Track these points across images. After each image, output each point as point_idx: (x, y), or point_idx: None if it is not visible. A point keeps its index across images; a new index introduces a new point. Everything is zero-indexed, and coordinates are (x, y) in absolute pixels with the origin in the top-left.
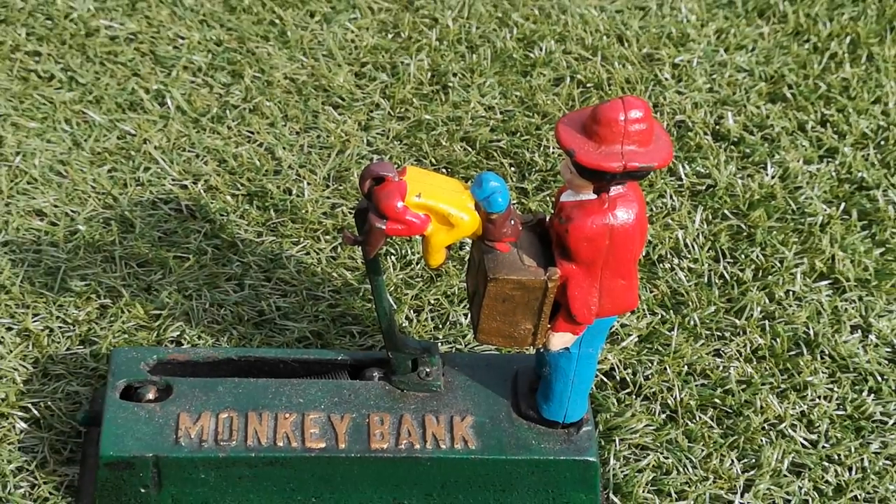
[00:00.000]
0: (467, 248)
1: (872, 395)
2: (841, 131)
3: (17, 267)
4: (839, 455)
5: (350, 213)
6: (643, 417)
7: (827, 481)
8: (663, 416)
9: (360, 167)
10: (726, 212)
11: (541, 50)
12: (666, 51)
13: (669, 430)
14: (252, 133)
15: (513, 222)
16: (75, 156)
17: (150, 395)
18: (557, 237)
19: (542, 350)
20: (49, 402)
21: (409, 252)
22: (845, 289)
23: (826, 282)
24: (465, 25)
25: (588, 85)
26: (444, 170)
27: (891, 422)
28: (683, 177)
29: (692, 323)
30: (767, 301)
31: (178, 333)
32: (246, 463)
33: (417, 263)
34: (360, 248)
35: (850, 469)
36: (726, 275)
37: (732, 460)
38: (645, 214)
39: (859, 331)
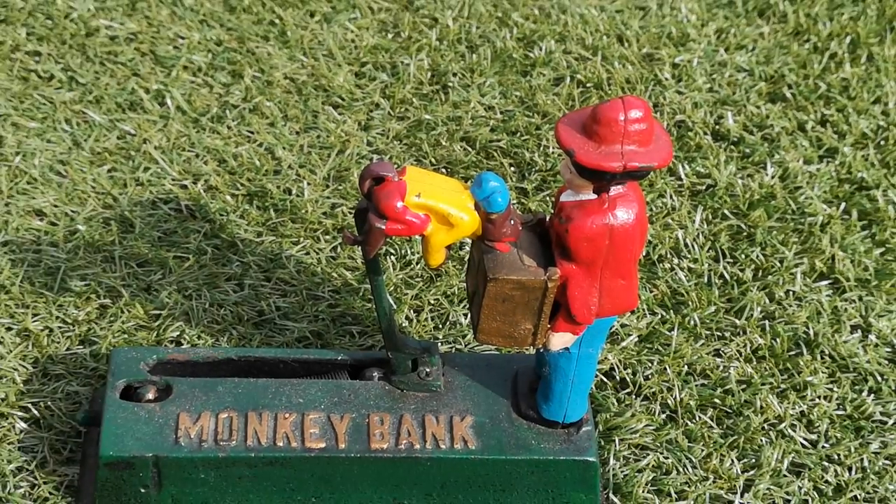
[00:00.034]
0: (467, 248)
1: (872, 395)
2: (841, 131)
3: (17, 267)
4: (839, 455)
5: (350, 213)
6: (643, 417)
7: (827, 481)
8: (663, 416)
9: (360, 167)
10: (726, 212)
11: (541, 50)
12: (666, 51)
13: (669, 430)
14: (252, 133)
15: (513, 222)
16: (75, 156)
17: (150, 395)
18: (557, 237)
19: (542, 350)
20: (49, 402)
21: (409, 252)
22: (845, 289)
23: (826, 282)
24: (465, 25)
25: (588, 85)
26: (444, 170)
27: (891, 422)
28: (683, 177)
29: (692, 323)
30: (767, 301)
31: (177, 333)
32: (246, 463)
33: (417, 263)
34: (359, 248)
35: (849, 469)
36: (726, 275)
37: (732, 460)
38: (645, 214)
39: (859, 331)
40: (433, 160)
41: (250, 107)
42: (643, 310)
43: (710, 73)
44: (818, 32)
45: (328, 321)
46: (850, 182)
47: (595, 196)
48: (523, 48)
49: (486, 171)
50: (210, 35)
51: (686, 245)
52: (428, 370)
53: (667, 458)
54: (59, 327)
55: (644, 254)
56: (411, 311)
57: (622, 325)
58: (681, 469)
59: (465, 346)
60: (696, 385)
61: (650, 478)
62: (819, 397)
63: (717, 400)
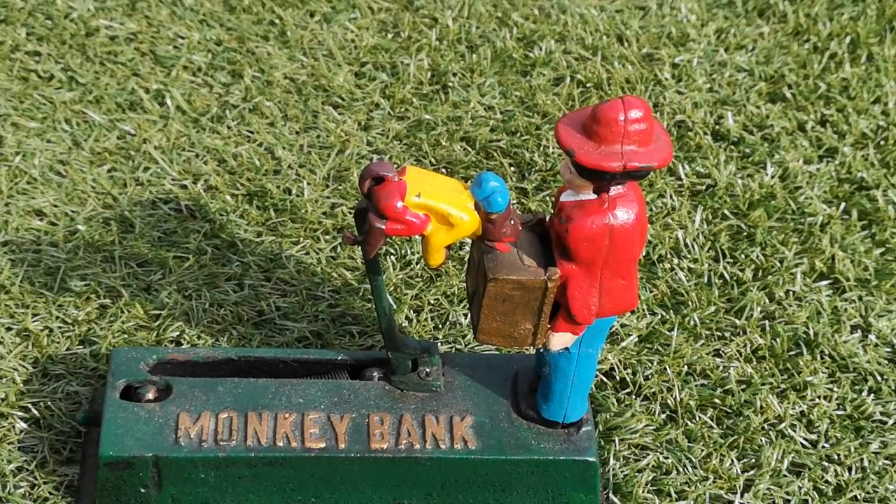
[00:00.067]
0: (467, 248)
1: (872, 395)
2: (841, 131)
3: (16, 267)
4: (839, 455)
5: (350, 213)
6: (643, 417)
7: (827, 481)
8: (663, 416)
9: (360, 167)
10: (726, 212)
11: (541, 50)
12: (666, 51)
13: (669, 430)
14: (252, 133)
15: (513, 222)
16: (75, 156)
17: (150, 395)
18: (557, 237)
19: (541, 350)
20: (49, 402)
21: (409, 252)
22: (845, 289)
23: (826, 282)
24: (465, 25)
25: (588, 85)
26: (444, 170)
27: (890, 422)
28: (683, 177)
29: (692, 323)
30: (767, 301)
31: (177, 333)
32: (246, 463)
33: (417, 263)
34: (359, 248)
35: (849, 469)
36: (726, 275)
37: (732, 460)
38: (645, 214)
39: (859, 331)
40: (433, 160)
41: (250, 107)
42: (643, 310)
43: (710, 73)
44: (818, 32)
45: (328, 321)
46: (850, 182)
47: (595, 196)
48: (523, 48)
49: (486, 171)
50: (210, 35)
51: (686, 245)
52: (428, 370)
53: (667, 458)
54: (59, 327)
55: (644, 254)
56: (411, 311)
57: (622, 325)
58: (681, 469)
59: (465, 346)
60: (696, 385)
61: (650, 478)
62: (819, 397)
63: (717, 400)
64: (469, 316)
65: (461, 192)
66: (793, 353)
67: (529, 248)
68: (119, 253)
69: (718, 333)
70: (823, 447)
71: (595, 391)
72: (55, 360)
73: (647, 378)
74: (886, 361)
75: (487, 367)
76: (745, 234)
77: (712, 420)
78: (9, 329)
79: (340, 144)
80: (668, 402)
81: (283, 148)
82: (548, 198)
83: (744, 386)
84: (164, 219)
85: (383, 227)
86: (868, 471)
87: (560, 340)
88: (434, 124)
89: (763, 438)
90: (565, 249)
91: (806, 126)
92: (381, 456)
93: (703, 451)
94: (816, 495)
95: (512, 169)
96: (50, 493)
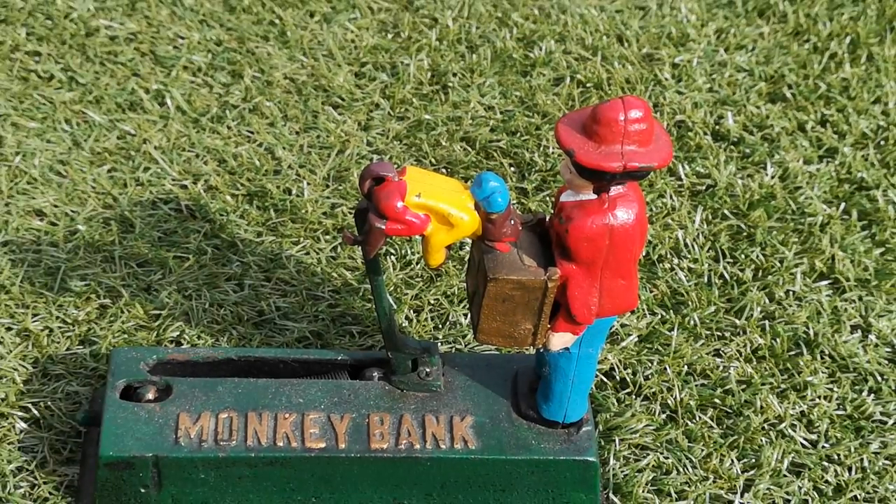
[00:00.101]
0: (467, 248)
1: (872, 395)
2: (841, 131)
3: (17, 267)
4: (839, 455)
5: (350, 213)
6: (643, 417)
7: (827, 481)
8: (663, 416)
9: (360, 167)
10: (726, 212)
11: (541, 50)
12: (666, 51)
13: (669, 430)
14: (252, 133)
15: (513, 222)
16: (75, 156)
17: (150, 395)
18: (557, 237)
19: (542, 350)
20: (49, 402)
21: (409, 252)
22: (845, 289)
23: (826, 282)
24: (465, 25)
25: (588, 85)
26: (444, 170)
27: (891, 422)
28: (683, 177)
29: (692, 323)
30: (767, 301)
31: (177, 333)
32: (246, 463)
33: (417, 263)
34: (360, 248)
35: (849, 469)
36: (726, 275)
37: (732, 460)
38: (645, 214)
39: (859, 331)
40: (433, 160)
41: (250, 107)
42: (643, 310)
43: (710, 73)
44: (818, 32)
45: (328, 321)
46: (850, 182)
47: (595, 196)
48: (523, 48)
49: (486, 171)
50: (210, 35)
51: (686, 245)
52: (428, 370)
53: (667, 458)
54: (59, 327)
55: (644, 254)
56: (411, 311)
57: (622, 325)
58: (681, 469)
59: (465, 346)
60: (696, 385)
61: (650, 478)
62: (819, 397)
63: (717, 400)
64: (469, 316)
65: (461, 192)
66: (793, 353)
67: (529, 248)
68: (119, 253)
69: (718, 333)
70: (823, 447)
71: (595, 391)
72: (55, 360)
73: (647, 378)
74: (886, 361)
75: (487, 367)
76: (745, 234)
77: (712, 420)
78: (9, 329)
79: (340, 144)
80: (668, 402)
81: (283, 148)
82: (548, 198)
83: (744, 386)
84: (164, 219)
85: (383, 227)
86: (868, 471)
87: (560, 340)
88: (434, 124)
89: (763, 438)
90: (565, 249)
91: (806, 126)
92: (381, 456)
93: (703, 451)
94: (816, 495)
95: (512, 169)
96: (50, 493)
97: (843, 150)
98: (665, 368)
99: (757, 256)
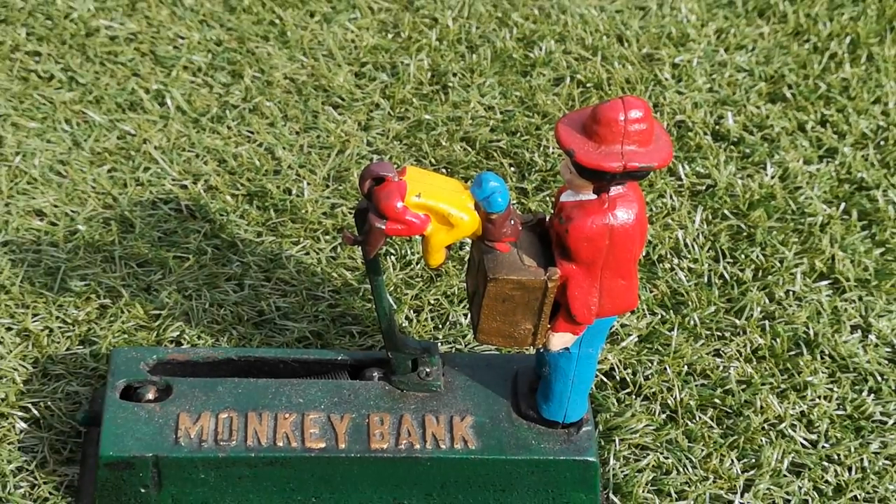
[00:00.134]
0: (467, 248)
1: (872, 395)
2: (841, 131)
3: (17, 267)
4: (839, 455)
5: (350, 213)
6: (643, 417)
7: (827, 481)
8: (663, 416)
9: (360, 167)
10: (726, 212)
11: (541, 50)
12: (666, 51)
13: (669, 430)
14: (252, 133)
15: (513, 222)
16: (75, 156)
17: (150, 395)
18: (557, 237)
19: (542, 350)
20: (49, 402)
21: (409, 252)
22: (845, 289)
23: (826, 282)
24: (465, 25)
25: (588, 85)
26: (444, 170)
27: (891, 422)
28: (683, 177)
29: (692, 323)
30: (767, 301)
31: (177, 333)
32: (246, 463)
33: (417, 263)
34: (360, 248)
35: (849, 469)
36: (726, 275)
37: (732, 460)
38: (645, 214)
39: (859, 331)
40: (433, 160)
41: (250, 107)
42: (643, 310)
43: (710, 73)
44: (818, 32)
45: (328, 321)
46: (850, 182)
47: (595, 196)
48: (523, 48)
49: (486, 171)
50: (210, 35)
51: (686, 245)
52: (428, 370)
53: (667, 458)
54: (59, 327)
55: (644, 254)
56: (411, 311)
57: (622, 325)
58: (681, 469)
59: (465, 346)
60: (696, 385)
61: (650, 478)
62: (819, 397)
63: (717, 400)
64: (469, 316)
65: (461, 192)
66: (793, 353)
67: (529, 248)
68: (119, 253)
69: (718, 333)
70: (823, 447)
71: (595, 391)
72: (55, 360)
73: (647, 378)
74: (886, 361)
75: (487, 367)
76: (745, 234)
77: (712, 420)
78: (9, 329)
79: (340, 145)
80: (668, 402)
81: (283, 148)
82: (548, 198)
83: (744, 386)
84: (164, 219)
85: (383, 227)
86: (868, 471)
87: (560, 340)
88: (434, 124)
89: (763, 438)
90: (565, 249)
91: (806, 126)
92: (381, 456)
93: (703, 451)
94: (816, 495)
95: (512, 169)
96: (50, 493)
97: (843, 150)
98: (665, 368)
99: (757, 256)
